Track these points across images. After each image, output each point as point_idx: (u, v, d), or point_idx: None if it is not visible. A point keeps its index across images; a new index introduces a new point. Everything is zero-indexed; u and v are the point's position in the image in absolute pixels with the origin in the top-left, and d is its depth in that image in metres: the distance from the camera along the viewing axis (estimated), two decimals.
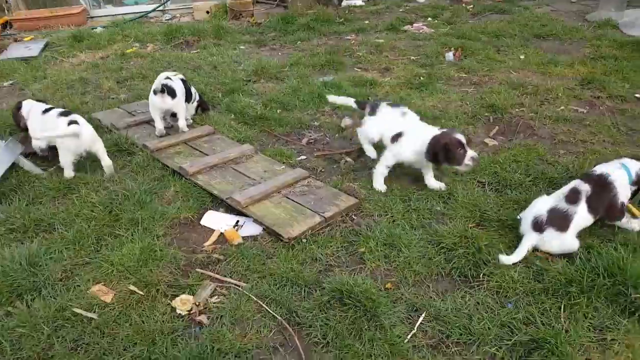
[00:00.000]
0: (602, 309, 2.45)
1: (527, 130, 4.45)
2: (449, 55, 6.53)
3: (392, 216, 3.33)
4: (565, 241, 2.80)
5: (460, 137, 3.31)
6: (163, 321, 2.50)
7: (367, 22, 8.67)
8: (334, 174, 3.89)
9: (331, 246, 3.06)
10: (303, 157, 4.19)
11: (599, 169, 2.98)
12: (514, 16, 8.31)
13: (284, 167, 3.89)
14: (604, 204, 2.86)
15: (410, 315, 2.55)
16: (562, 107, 4.82)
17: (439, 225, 3.16)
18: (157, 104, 4.30)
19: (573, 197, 2.85)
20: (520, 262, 2.80)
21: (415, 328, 2.45)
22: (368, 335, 2.38)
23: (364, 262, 2.93)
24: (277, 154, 4.12)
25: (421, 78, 5.81)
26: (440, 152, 3.30)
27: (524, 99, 5.04)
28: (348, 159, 4.12)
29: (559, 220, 2.81)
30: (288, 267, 2.84)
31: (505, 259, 2.77)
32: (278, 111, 5.01)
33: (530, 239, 2.84)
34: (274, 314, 2.56)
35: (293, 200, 3.42)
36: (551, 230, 2.80)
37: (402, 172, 3.82)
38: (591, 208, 2.83)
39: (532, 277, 2.70)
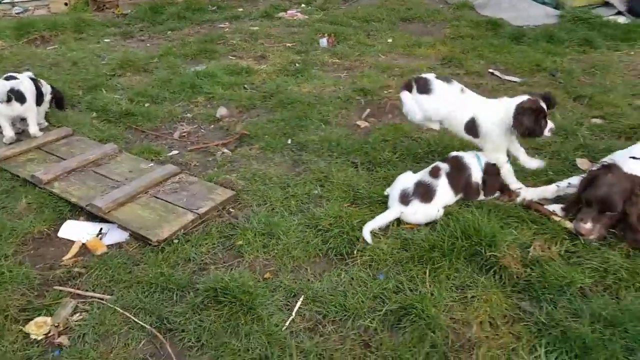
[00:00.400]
0: (463, 269, 2.62)
1: (395, 110, 4.64)
2: (323, 42, 6.62)
3: (271, 205, 3.29)
4: (429, 212, 2.96)
5: (543, 105, 3.05)
6: (13, 351, 2.23)
7: (241, 9, 8.52)
8: (210, 168, 3.76)
9: (206, 244, 2.94)
10: (175, 152, 4.00)
11: (457, 153, 3.22)
12: (383, 1, 8.64)
13: (152, 164, 3.68)
14: (462, 182, 3.09)
15: (289, 301, 2.53)
16: None
17: (317, 209, 3.18)
18: (4, 112, 3.84)
19: (435, 173, 3.05)
20: (389, 234, 2.91)
21: (294, 313, 2.44)
22: (245, 329, 2.33)
23: (242, 255, 2.86)
24: (144, 152, 3.88)
25: (297, 65, 5.83)
26: (527, 120, 2.96)
27: (392, 80, 5.26)
28: (225, 150, 4.01)
29: (424, 192, 2.97)
30: (157, 272, 2.69)
31: (365, 228, 2.87)
32: (146, 105, 4.73)
33: (395, 211, 2.97)
34: (143, 323, 2.40)
35: (163, 200, 3.24)
36: (416, 201, 2.95)
37: (282, 160, 3.81)
38: (451, 184, 3.04)
39: (400, 247, 2.81)
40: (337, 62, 5.97)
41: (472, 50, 5.96)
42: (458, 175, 3.08)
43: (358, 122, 4.47)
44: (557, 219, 2.96)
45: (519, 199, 3.15)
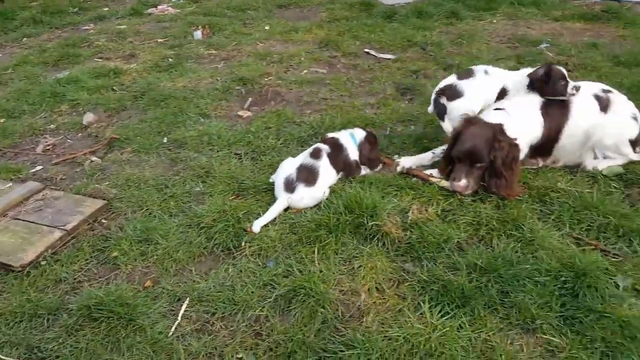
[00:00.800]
0: (349, 242, 2.65)
1: (277, 97, 4.60)
2: (197, 34, 6.39)
3: (148, 209, 3.10)
4: (316, 194, 2.95)
5: (561, 68, 3.17)
6: None
7: (106, 9, 7.97)
8: (78, 179, 3.46)
9: (78, 261, 2.70)
10: (39, 167, 3.63)
11: (333, 134, 3.27)
12: None
13: (10, 184, 3.30)
14: (342, 161, 3.13)
15: (173, 306, 2.39)
16: (305, 71, 5.11)
17: (199, 206, 3.05)
18: None
19: (316, 154, 3.05)
20: (277, 221, 2.86)
21: (180, 317, 2.31)
22: (126, 342, 2.16)
23: (118, 267, 2.66)
24: (1, 172, 3.47)
25: (170, 60, 5.57)
26: (543, 81, 3.12)
27: (271, 67, 5.20)
28: (94, 158, 3.71)
29: (307, 175, 2.95)
30: (23, 299, 2.42)
31: (256, 224, 2.80)
32: (1, 120, 4.24)
33: (282, 200, 2.92)
34: (8, 358, 2.14)
35: (25, 221, 2.92)
36: (302, 186, 2.92)
37: (158, 160, 3.61)
38: (332, 163, 3.06)
39: (289, 231, 2.78)
40: (213, 53, 5.78)
41: (347, 31, 6.07)
42: (337, 154, 3.12)
43: (240, 113, 4.36)
44: (434, 180, 3.09)
45: (398, 168, 3.26)
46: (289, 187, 2.93)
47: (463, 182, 2.92)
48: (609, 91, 3.18)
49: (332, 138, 3.22)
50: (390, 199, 2.93)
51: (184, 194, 3.22)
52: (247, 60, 5.38)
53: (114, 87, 4.81)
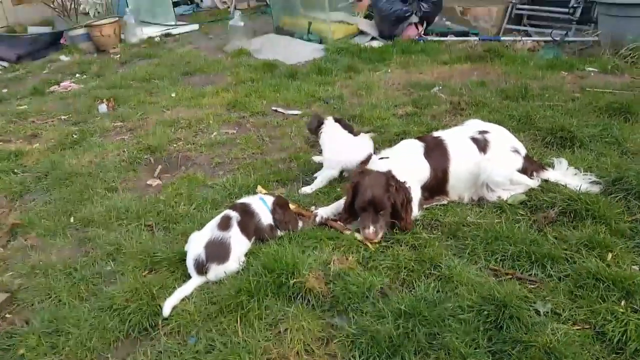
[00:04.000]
0: (272, 305, 2.56)
1: (188, 161, 4.52)
2: (102, 107, 6.19)
3: (57, 296, 2.87)
4: (230, 268, 2.83)
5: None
6: None
7: (5, 90, 7.58)
8: None
9: None
10: None
11: (243, 199, 3.21)
12: (161, 59, 8.50)
13: None
14: (254, 226, 3.05)
15: None
16: (215, 133, 5.08)
17: (110, 287, 2.84)
18: None
19: (225, 224, 2.93)
20: (193, 293, 2.73)
21: None
22: None
23: None
24: None
25: (74, 136, 5.32)
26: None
27: (180, 133, 5.13)
28: None
29: (218, 252, 2.82)
30: None
31: (166, 305, 2.63)
32: None
33: (195, 281, 2.80)
34: None
35: None
36: (214, 265, 2.79)
37: (65, 242, 3.36)
38: (244, 231, 2.96)
39: (208, 302, 2.65)
40: (119, 125, 5.61)
41: (254, 92, 6.17)
42: (248, 220, 3.02)
43: (149, 182, 4.22)
44: (348, 232, 3.12)
45: (317, 219, 3.26)
46: (201, 269, 2.79)
47: (372, 229, 2.99)
48: (486, 132, 3.43)
49: (242, 204, 3.13)
50: (310, 252, 2.90)
51: (94, 275, 3.01)
52: (154, 129, 5.26)
53: (15, 170, 4.50)
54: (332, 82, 6.31)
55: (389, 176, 3.08)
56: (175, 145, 4.85)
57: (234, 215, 2.98)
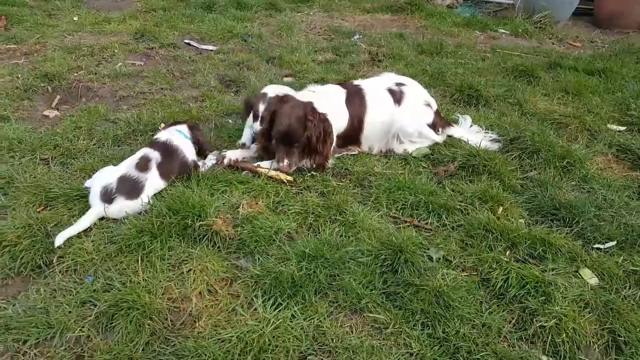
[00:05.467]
0: (176, 246, 2.52)
1: (89, 93, 4.19)
2: None
3: None
4: (136, 207, 2.72)
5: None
6: None
7: None
8: None
9: None
10: None
11: (162, 136, 2.99)
12: None
13: None
14: (177, 165, 2.92)
15: None
16: (120, 64, 4.73)
17: (1, 222, 2.62)
18: None
19: (144, 165, 2.79)
20: (92, 231, 2.60)
21: None
22: None
23: None
24: None
25: None
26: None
27: (82, 61, 4.71)
28: None
29: (130, 188, 2.70)
30: None
31: (59, 237, 2.49)
32: None
33: (97, 210, 2.66)
34: None
35: None
36: (121, 198, 2.67)
37: None
38: (163, 173, 2.84)
39: (108, 241, 2.55)
40: (12, 47, 5.02)
41: (165, 22, 5.78)
42: (171, 161, 2.89)
43: (46, 113, 3.87)
44: (262, 170, 3.11)
45: (225, 161, 3.20)
46: (107, 197, 2.65)
47: (286, 162, 3.04)
48: (402, 84, 3.53)
49: (164, 142, 2.93)
50: (219, 195, 2.87)
51: None
52: (53, 55, 4.78)
53: None
54: (251, 18, 6.06)
55: (308, 107, 3.05)
56: (75, 74, 4.45)
57: (155, 156, 2.83)
